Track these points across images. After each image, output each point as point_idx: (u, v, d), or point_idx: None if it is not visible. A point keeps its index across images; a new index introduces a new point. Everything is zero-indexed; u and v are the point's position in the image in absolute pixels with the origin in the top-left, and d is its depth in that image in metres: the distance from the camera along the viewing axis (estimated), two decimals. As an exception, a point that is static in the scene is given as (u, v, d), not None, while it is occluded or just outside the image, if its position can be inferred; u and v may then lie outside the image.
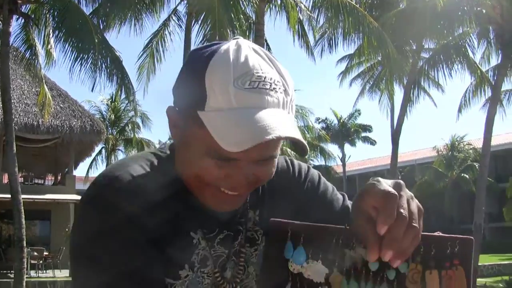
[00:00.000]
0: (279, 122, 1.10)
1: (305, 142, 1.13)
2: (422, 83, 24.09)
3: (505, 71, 19.99)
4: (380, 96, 29.08)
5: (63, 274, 20.52)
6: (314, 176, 1.49)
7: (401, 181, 1.10)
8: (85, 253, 1.19)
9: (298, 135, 1.11)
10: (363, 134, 46.70)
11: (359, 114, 45.62)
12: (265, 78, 1.14)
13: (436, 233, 1.21)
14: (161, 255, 1.22)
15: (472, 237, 1.16)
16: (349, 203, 1.47)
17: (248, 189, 1.24)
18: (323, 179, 1.50)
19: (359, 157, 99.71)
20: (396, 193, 1.06)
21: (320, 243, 1.20)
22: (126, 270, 1.15)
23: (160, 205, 1.22)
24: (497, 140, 27.98)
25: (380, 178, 1.11)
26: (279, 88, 1.15)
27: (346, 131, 44.39)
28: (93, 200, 1.21)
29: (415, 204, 1.09)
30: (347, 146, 46.01)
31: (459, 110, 24.74)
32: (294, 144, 1.14)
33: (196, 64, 1.17)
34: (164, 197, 1.23)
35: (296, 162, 1.48)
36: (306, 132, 30.88)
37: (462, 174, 38.04)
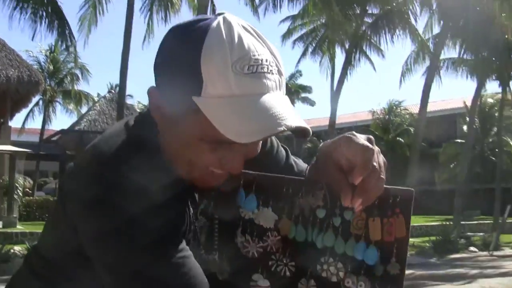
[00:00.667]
0: (285, 110, 1.10)
1: (309, 127, 1.11)
2: (364, 48, 24.37)
3: (444, 40, 20.39)
4: (321, 58, 29.29)
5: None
6: (271, 139, 1.51)
7: (372, 137, 1.17)
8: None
9: (304, 123, 1.10)
10: (303, 95, 47.11)
11: (300, 75, 46.02)
12: (261, 60, 1.10)
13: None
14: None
15: (413, 189, 1.25)
16: (293, 160, 1.53)
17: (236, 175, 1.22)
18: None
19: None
20: (372, 147, 1.13)
21: (271, 192, 1.27)
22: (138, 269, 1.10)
23: (161, 196, 1.15)
24: (432, 106, 28.57)
25: (354, 132, 1.18)
26: (274, 69, 1.13)
27: (287, 91, 44.26)
28: (100, 205, 1.11)
29: (381, 158, 1.16)
30: (286, 107, 46.12)
31: (402, 76, 25.21)
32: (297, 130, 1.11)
33: (187, 45, 1.11)
34: (162, 187, 1.15)
35: None
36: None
37: (398, 138, 38.81)
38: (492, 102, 35.22)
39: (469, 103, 31.21)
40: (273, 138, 1.51)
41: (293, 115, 1.10)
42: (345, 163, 1.15)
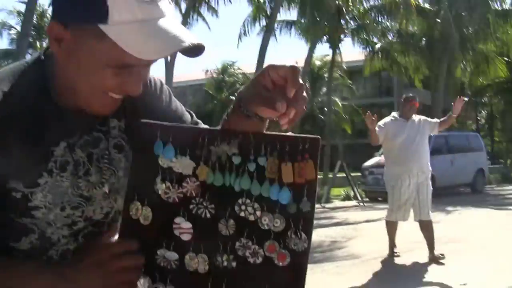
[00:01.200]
0: (181, 31, 1.22)
1: (202, 43, 1.24)
2: (199, 8, 24.37)
3: (280, 2, 20.92)
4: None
5: None
6: (168, 91, 1.62)
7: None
8: None
9: (198, 40, 1.23)
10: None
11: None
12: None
13: (288, 133, 1.43)
14: (11, 167, 1.30)
15: (319, 136, 1.39)
16: (199, 121, 1.65)
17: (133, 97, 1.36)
18: (166, 87, 1.64)
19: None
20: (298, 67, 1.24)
21: (187, 141, 1.35)
22: None
23: (20, 121, 1.31)
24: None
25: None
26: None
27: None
28: None
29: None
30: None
31: (239, 38, 25.59)
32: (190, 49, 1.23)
33: None
34: (26, 113, 1.31)
35: (151, 76, 1.56)
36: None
37: (231, 97, 39.47)
38: (320, 64, 36.71)
39: (300, 64, 32.42)
40: (170, 93, 1.63)
41: (189, 34, 1.22)
42: (275, 81, 1.25)
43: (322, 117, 34.18)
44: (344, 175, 19.76)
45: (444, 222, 12.03)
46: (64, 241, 1.44)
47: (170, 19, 1.24)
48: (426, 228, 8.19)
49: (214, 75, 40.74)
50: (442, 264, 7.73)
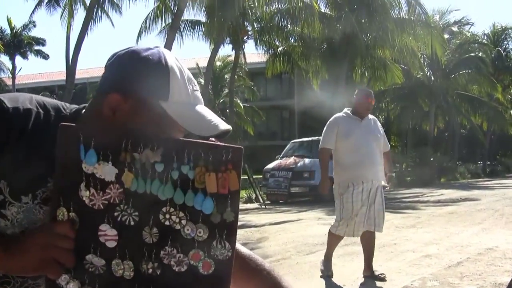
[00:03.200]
0: (215, 115, 1.51)
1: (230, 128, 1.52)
2: (103, 5, 23.96)
3: (186, 2, 20.88)
4: (62, 12, 28.16)
5: None
6: None
7: None
8: None
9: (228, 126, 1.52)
10: (36, 47, 44.78)
11: (34, 26, 43.55)
12: (195, 82, 1.53)
13: (211, 139, 1.46)
14: (8, 170, 1.40)
15: (242, 147, 1.43)
16: None
17: None
18: None
19: (31, 70, 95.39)
20: None
21: (110, 146, 1.36)
22: None
23: (37, 140, 1.44)
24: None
25: None
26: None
27: (19, 43, 42.19)
28: None
29: None
30: (18, 58, 43.86)
31: (139, 35, 25.31)
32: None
33: (153, 62, 1.45)
34: (46, 138, 1.44)
35: None
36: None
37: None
38: (221, 64, 36.90)
39: (202, 65, 32.43)
40: None
41: (220, 120, 1.50)
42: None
43: (224, 118, 34.30)
44: (246, 177, 19.92)
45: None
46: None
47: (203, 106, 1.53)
48: (369, 240, 7.09)
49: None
50: (384, 280, 6.89)
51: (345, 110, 7.28)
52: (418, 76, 37.31)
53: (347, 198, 6.90)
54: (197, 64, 34.42)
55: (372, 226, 6.92)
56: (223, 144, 1.39)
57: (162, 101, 1.42)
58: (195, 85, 1.51)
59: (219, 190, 1.35)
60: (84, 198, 1.36)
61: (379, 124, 7.33)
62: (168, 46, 19.66)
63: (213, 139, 1.47)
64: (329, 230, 7.20)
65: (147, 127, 1.41)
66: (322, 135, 7.16)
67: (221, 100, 36.79)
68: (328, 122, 7.17)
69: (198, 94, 1.51)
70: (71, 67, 21.67)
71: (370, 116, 7.22)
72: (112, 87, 1.45)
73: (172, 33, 20.31)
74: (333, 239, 7.22)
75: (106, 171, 1.36)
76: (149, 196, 1.36)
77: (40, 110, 1.48)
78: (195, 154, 1.35)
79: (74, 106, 1.58)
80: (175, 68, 1.46)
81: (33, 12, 33.16)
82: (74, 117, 1.52)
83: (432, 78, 39.53)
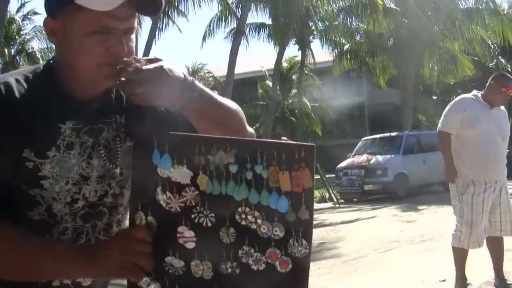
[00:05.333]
0: None
1: None
2: (168, 12, 24.29)
3: (250, 4, 20.97)
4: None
5: None
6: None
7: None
8: None
9: None
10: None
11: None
12: None
13: (283, 139, 1.46)
14: (24, 139, 1.46)
15: (314, 144, 1.42)
16: None
17: (125, 63, 1.44)
18: None
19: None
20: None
21: (184, 150, 1.39)
22: None
23: (30, 103, 1.48)
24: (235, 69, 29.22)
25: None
26: None
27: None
28: None
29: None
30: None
31: (203, 39, 25.60)
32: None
33: None
34: (36, 97, 1.50)
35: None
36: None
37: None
38: (288, 65, 36.81)
39: (267, 67, 32.47)
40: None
41: None
42: None
43: (293, 119, 34.30)
44: (319, 176, 19.83)
45: (419, 221, 12.14)
46: (65, 219, 1.55)
47: None
48: (496, 246, 6.09)
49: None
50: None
51: (474, 92, 6.16)
52: (490, 66, 36.30)
53: (466, 200, 5.83)
54: (262, 67, 34.48)
55: (499, 231, 5.99)
56: (295, 142, 1.39)
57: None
58: None
59: (293, 189, 1.35)
60: (161, 202, 1.40)
61: (507, 119, 6.26)
62: (234, 50, 19.80)
63: (285, 138, 1.47)
64: (452, 246, 6.03)
65: (80, 31, 1.44)
66: (443, 116, 6.09)
67: (290, 101, 36.72)
68: (453, 103, 6.14)
69: None
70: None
71: (502, 107, 6.14)
72: (46, 12, 1.53)
73: (237, 37, 20.42)
74: (459, 254, 5.99)
75: (181, 174, 1.39)
76: (225, 197, 1.38)
77: (20, 77, 1.54)
78: (268, 153, 1.36)
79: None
80: None
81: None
82: (49, 66, 1.58)
83: (509, 66, 38.37)
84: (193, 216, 1.39)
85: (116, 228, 1.65)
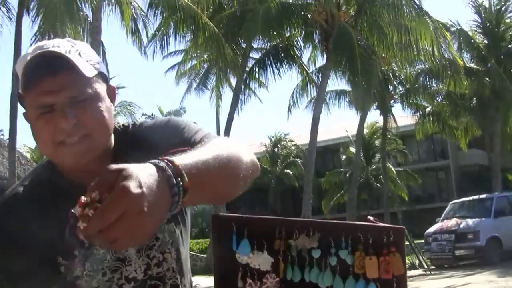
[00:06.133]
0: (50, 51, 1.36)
1: (68, 56, 1.35)
2: (249, 84, 24.76)
3: (329, 73, 21.11)
4: (211, 95, 29.48)
5: None
6: (170, 121, 1.56)
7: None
8: None
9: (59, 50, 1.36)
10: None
11: (185, 111, 45.88)
12: (47, 44, 1.39)
13: (369, 219, 1.37)
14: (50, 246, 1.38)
15: (404, 227, 1.33)
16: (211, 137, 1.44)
17: (80, 133, 1.37)
18: (178, 120, 1.57)
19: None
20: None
21: (263, 234, 1.33)
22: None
23: (41, 206, 1.43)
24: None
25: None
26: (62, 46, 1.38)
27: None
28: None
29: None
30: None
31: (289, 109, 25.84)
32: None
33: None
34: (45, 198, 1.45)
35: (152, 120, 1.61)
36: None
37: (285, 170, 39.41)
38: (370, 130, 36.62)
39: (350, 133, 32.35)
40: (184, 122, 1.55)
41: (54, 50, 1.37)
42: None
43: (378, 185, 33.80)
44: (407, 242, 19.32)
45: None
46: None
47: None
48: None
49: (268, 149, 40.77)
50: None
51: None
52: None
53: None
54: (348, 132, 34.39)
55: None
56: (383, 224, 1.31)
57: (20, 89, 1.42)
58: (38, 46, 1.41)
59: (381, 275, 1.27)
60: (241, 291, 1.33)
61: None
62: (316, 118, 19.87)
63: (371, 218, 1.38)
64: None
65: (30, 117, 1.40)
66: None
67: (374, 167, 36.33)
68: None
69: (37, 49, 1.39)
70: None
71: None
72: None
73: (318, 104, 20.53)
74: None
75: (261, 261, 1.33)
76: (308, 284, 1.31)
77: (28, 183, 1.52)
78: (354, 237, 1.29)
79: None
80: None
81: (183, 98, 34.92)
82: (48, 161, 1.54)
83: None
84: (276, 304, 1.31)
85: None
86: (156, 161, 1.05)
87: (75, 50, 1.39)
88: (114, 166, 0.99)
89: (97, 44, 15.19)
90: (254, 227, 1.34)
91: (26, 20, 16.40)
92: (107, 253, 1.45)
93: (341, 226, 1.32)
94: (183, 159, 1.09)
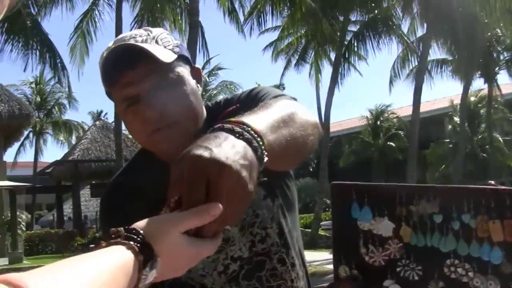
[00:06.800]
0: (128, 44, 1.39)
1: (143, 46, 1.36)
2: (349, 58, 24.47)
3: (430, 42, 20.58)
4: (310, 69, 29.39)
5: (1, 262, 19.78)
6: (249, 89, 1.57)
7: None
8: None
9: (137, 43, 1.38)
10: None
11: (284, 88, 45.89)
12: (124, 36, 1.44)
13: (490, 183, 1.37)
14: None
15: (526, 189, 1.32)
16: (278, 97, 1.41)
17: (168, 120, 1.39)
18: (261, 87, 1.57)
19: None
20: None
21: (384, 201, 1.35)
22: None
23: (144, 190, 1.47)
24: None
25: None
26: (139, 36, 1.41)
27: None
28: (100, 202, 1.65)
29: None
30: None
31: (391, 82, 25.44)
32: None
33: None
34: (148, 182, 1.47)
35: (239, 92, 1.63)
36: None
37: (388, 143, 38.77)
38: (475, 99, 35.42)
39: (453, 102, 31.41)
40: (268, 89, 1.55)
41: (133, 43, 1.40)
42: None
43: (484, 155, 32.74)
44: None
45: None
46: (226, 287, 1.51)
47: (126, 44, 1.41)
48: None
49: (370, 121, 40.20)
50: None
51: None
52: None
53: None
54: (452, 102, 33.41)
55: None
56: (504, 187, 1.30)
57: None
58: (118, 39, 1.46)
59: (507, 238, 1.26)
60: (363, 256, 1.36)
61: None
62: (418, 88, 19.45)
63: (492, 181, 1.38)
64: None
65: (127, 116, 1.44)
66: None
67: (480, 137, 35.18)
68: None
69: (116, 43, 1.44)
70: (324, 123, 22.33)
71: None
72: None
73: (420, 75, 20.07)
74: None
75: (383, 226, 1.35)
76: (430, 249, 1.31)
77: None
78: (475, 201, 1.28)
79: None
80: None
81: (282, 74, 34.96)
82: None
83: None
84: (398, 269, 1.34)
85: (281, 268, 1.54)
86: (229, 125, 0.96)
87: (151, 37, 1.41)
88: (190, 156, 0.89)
89: (195, 26, 15.46)
90: (374, 194, 1.35)
91: (125, 6, 16.88)
92: None
93: (462, 190, 1.32)
94: (254, 122, 1.00)
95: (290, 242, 1.56)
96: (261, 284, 1.53)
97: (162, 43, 1.41)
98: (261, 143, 0.96)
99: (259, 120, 1.03)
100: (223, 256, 1.50)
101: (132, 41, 1.39)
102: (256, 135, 0.96)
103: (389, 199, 1.34)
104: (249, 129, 0.96)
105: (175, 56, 1.41)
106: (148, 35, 1.41)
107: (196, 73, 1.49)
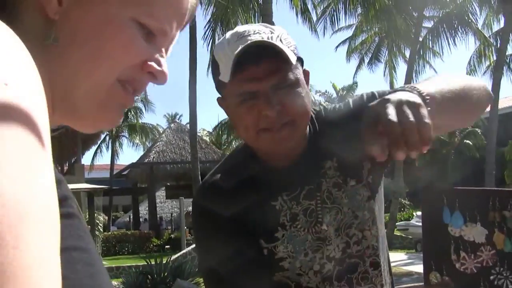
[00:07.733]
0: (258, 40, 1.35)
1: (282, 48, 1.33)
2: (424, 55, 24.02)
3: (508, 36, 19.97)
4: (385, 68, 29.02)
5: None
6: (346, 101, 1.60)
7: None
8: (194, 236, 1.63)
9: (269, 41, 1.35)
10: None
11: (357, 86, 45.51)
12: (247, 30, 1.40)
13: None
14: (251, 229, 1.47)
15: None
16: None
17: (284, 120, 1.39)
18: (368, 92, 1.59)
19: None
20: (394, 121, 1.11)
21: (476, 206, 1.31)
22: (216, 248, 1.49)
23: (240, 191, 1.49)
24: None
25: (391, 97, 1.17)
26: (263, 32, 1.38)
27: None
28: (192, 203, 1.59)
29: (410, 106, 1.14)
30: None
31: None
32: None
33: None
34: (243, 183, 1.49)
35: (337, 104, 1.64)
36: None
37: (465, 141, 37.87)
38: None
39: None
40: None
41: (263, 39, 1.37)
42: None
43: None
44: None
45: None
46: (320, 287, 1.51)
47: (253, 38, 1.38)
48: None
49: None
50: None
51: None
52: None
53: None
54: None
55: None
56: None
57: (217, 75, 1.49)
58: (240, 33, 1.42)
59: None
60: (455, 262, 1.33)
61: None
62: (496, 83, 18.90)
63: None
64: None
65: (232, 100, 1.43)
66: None
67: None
68: None
69: (241, 37, 1.40)
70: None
71: None
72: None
73: (498, 70, 19.49)
74: None
75: (475, 232, 1.32)
76: (525, 256, 1.27)
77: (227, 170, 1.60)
78: None
79: None
80: (221, 39, 1.50)
81: (355, 73, 34.67)
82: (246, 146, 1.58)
83: None
84: (491, 277, 1.31)
85: (373, 271, 1.53)
86: (399, 88, 1.26)
87: (276, 36, 1.39)
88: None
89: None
90: (465, 198, 1.33)
91: (198, 8, 17.07)
92: (308, 233, 1.49)
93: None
94: (425, 87, 1.25)
95: (381, 247, 1.55)
96: (350, 286, 1.52)
97: (286, 43, 1.40)
98: (422, 92, 1.21)
99: (423, 84, 1.30)
100: (319, 255, 1.50)
101: (257, 37, 1.37)
102: (417, 88, 1.23)
103: (482, 204, 1.31)
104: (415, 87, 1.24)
105: (295, 57, 1.41)
106: (272, 32, 1.40)
107: (306, 76, 1.49)
